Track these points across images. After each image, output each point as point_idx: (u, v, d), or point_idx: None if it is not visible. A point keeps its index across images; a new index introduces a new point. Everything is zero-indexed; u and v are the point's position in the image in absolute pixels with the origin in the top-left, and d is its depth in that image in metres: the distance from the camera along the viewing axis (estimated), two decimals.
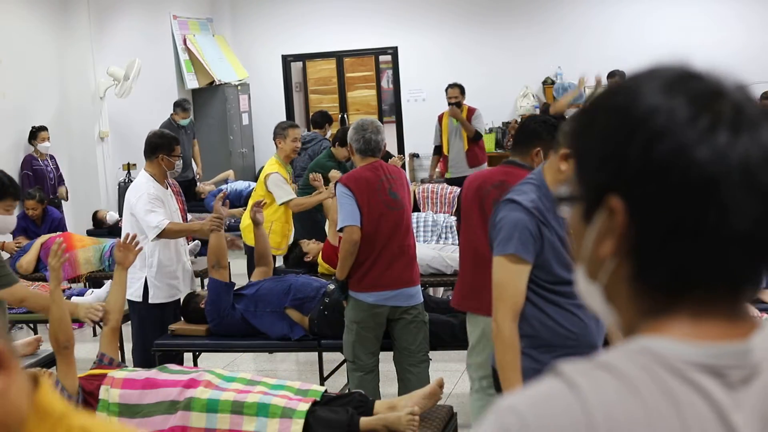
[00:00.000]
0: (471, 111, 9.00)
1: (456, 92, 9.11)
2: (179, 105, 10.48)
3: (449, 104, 9.04)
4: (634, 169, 0.88)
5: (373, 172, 4.48)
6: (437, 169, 12.05)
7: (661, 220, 0.88)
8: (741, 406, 0.86)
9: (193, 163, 10.73)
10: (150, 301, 5.09)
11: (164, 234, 4.97)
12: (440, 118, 9.22)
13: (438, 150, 9.33)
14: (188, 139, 10.51)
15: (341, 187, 4.45)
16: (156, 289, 5.11)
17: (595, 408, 0.84)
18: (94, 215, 9.17)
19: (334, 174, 6.58)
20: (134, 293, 5.05)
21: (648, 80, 0.90)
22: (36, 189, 7.92)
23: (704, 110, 0.86)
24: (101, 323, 4.33)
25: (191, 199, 9.41)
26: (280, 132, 6.46)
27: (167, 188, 5.25)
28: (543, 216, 2.84)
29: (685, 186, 0.86)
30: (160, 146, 5.15)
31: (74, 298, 5.79)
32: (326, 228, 6.48)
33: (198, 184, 10.58)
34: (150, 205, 4.98)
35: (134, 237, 4.45)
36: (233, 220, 7.87)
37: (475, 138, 8.95)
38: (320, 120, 8.88)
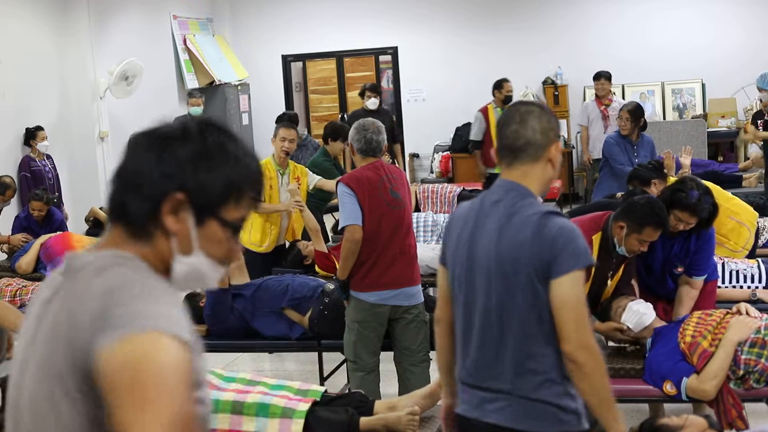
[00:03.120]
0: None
1: (510, 86, 9.14)
2: (189, 94, 10.44)
3: (506, 97, 9.04)
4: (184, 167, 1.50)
5: (375, 171, 4.49)
6: (439, 169, 12.02)
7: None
8: (61, 291, 1.48)
9: None
10: None
11: None
12: (484, 111, 9.14)
13: (478, 145, 9.19)
14: None
15: (343, 187, 4.45)
16: None
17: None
18: (92, 216, 8.52)
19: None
20: None
21: (180, 121, 1.53)
22: (42, 190, 7.88)
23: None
24: None
25: None
26: (274, 129, 6.43)
27: None
28: None
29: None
30: None
31: None
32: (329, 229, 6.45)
33: None
34: None
35: None
36: None
37: None
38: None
